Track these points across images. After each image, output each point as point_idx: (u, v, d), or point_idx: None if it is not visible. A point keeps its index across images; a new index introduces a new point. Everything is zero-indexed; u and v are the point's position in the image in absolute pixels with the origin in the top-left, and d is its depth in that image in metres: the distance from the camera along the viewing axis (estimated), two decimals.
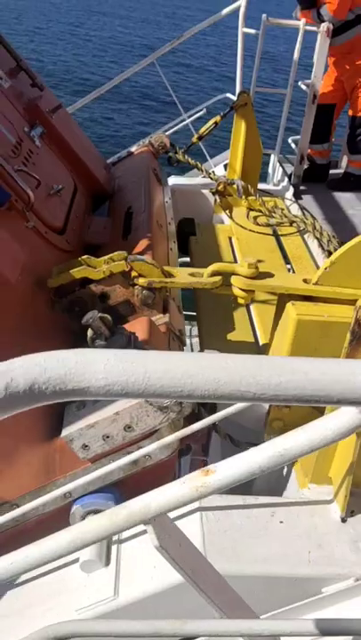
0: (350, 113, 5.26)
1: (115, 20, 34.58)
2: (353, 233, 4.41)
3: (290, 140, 5.56)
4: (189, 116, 5.36)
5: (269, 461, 0.82)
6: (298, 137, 5.12)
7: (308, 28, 4.60)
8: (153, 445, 1.87)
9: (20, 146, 2.75)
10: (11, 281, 2.12)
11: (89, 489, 1.91)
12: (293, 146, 5.40)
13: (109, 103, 16.44)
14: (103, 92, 5.27)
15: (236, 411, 1.82)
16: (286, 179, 5.20)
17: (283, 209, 3.89)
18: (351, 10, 4.78)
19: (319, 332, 1.99)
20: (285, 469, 2.35)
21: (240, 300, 2.29)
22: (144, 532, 1.79)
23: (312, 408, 2.06)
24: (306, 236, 3.89)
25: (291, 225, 3.76)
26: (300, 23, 4.62)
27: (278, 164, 5.36)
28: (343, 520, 1.84)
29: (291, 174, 5.19)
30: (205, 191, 4.65)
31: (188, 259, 3.86)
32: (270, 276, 2.21)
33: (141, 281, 2.30)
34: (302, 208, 4.62)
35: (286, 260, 3.65)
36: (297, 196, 4.95)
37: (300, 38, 4.63)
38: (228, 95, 5.35)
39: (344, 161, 5.62)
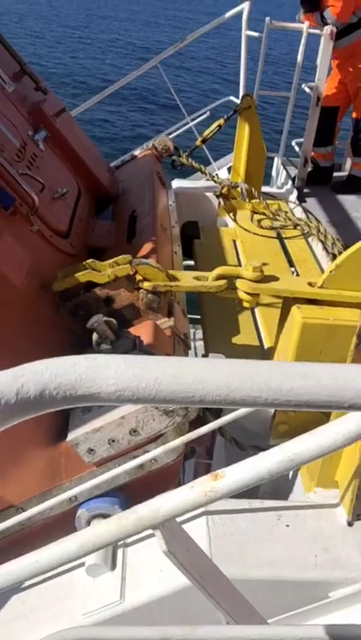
0: (354, 115, 5.26)
1: (115, 23, 34.72)
2: (357, 236, 4.40)
3: (293, 143, 5.56)
4: (193, 120, 5.37)
5: (278, 466, 0.82)
6: (301, 140, 5.13)
7: (312, 30, 4.61)
8: (159, 449, 1.86)
9: (24, 149, 2.76)
10: (16, 284, 2.13)
11: (94, 493, 1.91)
12: (297, 149, 5.39)
13: (113, 106, 16.49)
14: (107, 95, 5.28)
15: (242, 415, 1.81)
16: (290, 182, 5.20)
17: (287, 212, 3.89)
18: (354, 13, 4.79)
19: (325, 336, 1.99)
20: (291, 473, 2.34)
21: (245, 304, 2.28)
22: (150, 536, 1.79)
23: (319, 412, 2.05)
24: (310, 239, 3.88)
25: (295, 228, 3.76)
26: (304, 26, 4.63)
27: (282, 167, 5.36)
28: (350, 524, 1.84)
29: (294, 177, 5.19)
30: (209, 194, 4.66)
31: (192, 262, 3.85)
32: (275, 279, 2.20)
33: (146, 285, 2.30)
34: (306, 211, 4.62)
35: (290, 263, 3.64)
36: (301, 198, 4.95)
37: (303, 41, 4.64)
38: (232, 98, 5.36)
39: (348, 163, 5.62)
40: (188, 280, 2.34)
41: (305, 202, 4.91)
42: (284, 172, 5.33)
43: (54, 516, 1.92)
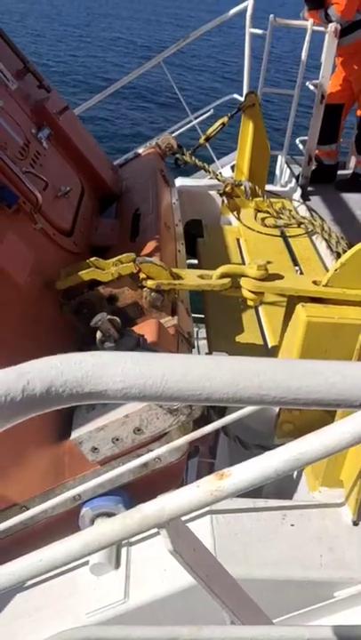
0: (358, 113, 5.24)
1: (117, 22, 34.70)
2: None
3: (297, 141, 5.54)
4: (196, 118, 5.36)
5: (285, 465, 0.81)
6: (305, 138, 5.10)
7: (316, 28, 4.59)
8: (163, 448, 1.86)
9: (27, 147, 2.75)
10: (19, 282, 2.12)
11: (98, 491, 1.91)
12: (301, 147, 5.38)
13: (116, 104, 16.49)
14: (110, 93, 5.27)
15: (247, 413, 1.80)
16: (294, 180, 5.18)
17: (291, 210, 3.87)
18: (359, 10, 4.77)
19: (330, 334, 1.98)
20: (296, 472, 2.34)
21: (249, 302, 2.27)
22: (154, 534, 1.79)
23: (323, 411, 2.05)
24: (314, 238, 3.87)
25: (299, 226, 3.74)
26: (308, 23, 4.61)
27: (286, 165, 5.35)
28: (355, 523, 1.83)
29: (298, 175, 5.18)
30: (213, 192, 4.64)
31: (195, 261, 3.84)
32: (280, 277, 2.19)
33: (150, 283, 2.29)
34: (310, 209, 4.61)
35: (295, 261, 3.63)
36: (305, 197, 4.93)
37: (307, 38, 4.62)
38: (236, 96, 5.34)
39: (352, 161, 5.59)
40: (191, 278, 2.33)
41: (309, 200, 4.90)
42: (288, 171, 5.31)
43: (58, 514, 1.92)
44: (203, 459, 4.00)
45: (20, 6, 34.56)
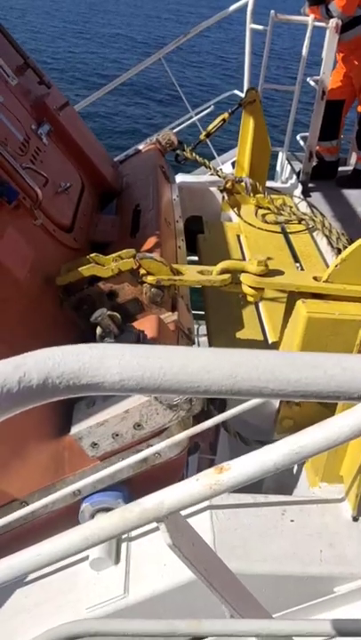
0: (359, 109, 5.22)
1: (117, 18, 34.62)
2: None
3: (298, 138, 5.52)
4: (197, 114, 5.34)
5: (284, 459, 0.81)
6: (306, 134, 5.08)
7: (317, 24, 4.56)
8: (162, 443, 1.86)
9: (27, 143, 2.74)
10: (19, 278, 2.12)
11: (98, 487, 1.91)
12: (302, 143, 5.36)
13: (116, 100, 16.46)
14: (110, 89, 5.25)
15: (247, 408, 1.80)
16: (295, 176, 5.16)
17: (291, 206, 3.86)
18: (360, 5, 4.75)
19: (330, 330, 1.98)
20: (295, 468, 2.33)
21: (249, 298, 2.27)
22: (154, 529, 1.79)
23: (323, 407, 2.04)
24: (315, 234, 3.86)
25: (299, 222, 3.74)
26: (309, 19, 4.59)
27: (287, 162, 5.33)
28: (355, 519, 1.83)
29: (299, 172, 5.16)
30: (213, 189, 4.63)
31: (195, 257, 3.84)
32: (280, 273, 2.19)
33: (150, 279, 2.29)
34: (311, 205, 4.59)
35: (295, 257, 3.62)
36: (306, 193, 4.92)
37: (308, 34, 4.60)
38: (236, 92, 5.32)
39: (353, 158, 5.57)
40: (192, 274, 2.32)
41: (310, 196, 4.88)
42: (289, 167, 5.29)
43: (58, 510, 1.92)
44: (203, 455, 4.00)
45: (21, 2, 34.48)
